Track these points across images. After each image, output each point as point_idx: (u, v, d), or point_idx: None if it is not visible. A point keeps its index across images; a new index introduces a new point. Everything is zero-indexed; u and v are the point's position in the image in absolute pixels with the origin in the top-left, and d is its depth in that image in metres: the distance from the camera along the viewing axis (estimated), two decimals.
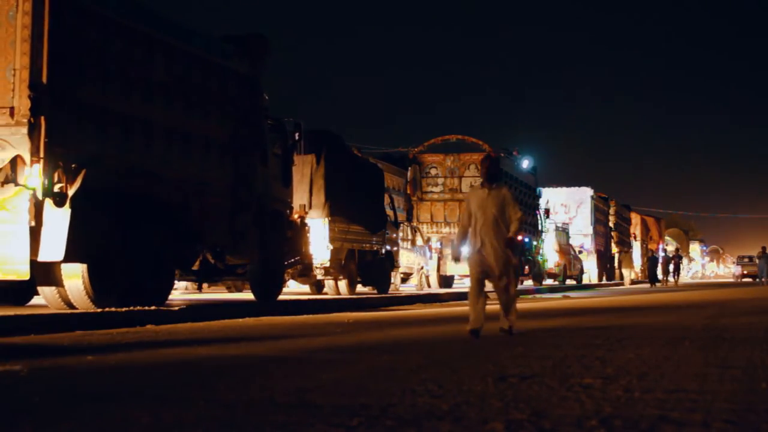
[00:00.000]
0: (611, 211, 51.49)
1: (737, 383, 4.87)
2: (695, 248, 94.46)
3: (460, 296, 22.13)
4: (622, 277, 42.18)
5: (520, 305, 10.16)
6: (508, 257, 8.61)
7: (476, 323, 8.33)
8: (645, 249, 59.13)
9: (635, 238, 59.36)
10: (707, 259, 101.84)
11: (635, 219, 61.75)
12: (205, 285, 23.27)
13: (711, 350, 6.86)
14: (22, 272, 9.69)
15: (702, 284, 48.37)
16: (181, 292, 19.90)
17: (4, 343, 7.56)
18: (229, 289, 23.24)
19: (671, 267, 44.71)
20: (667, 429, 3.52)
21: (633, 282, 40.09)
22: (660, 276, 42.03)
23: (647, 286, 39.63)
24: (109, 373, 5.72)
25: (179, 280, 16.08)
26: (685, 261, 70.17)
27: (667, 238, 76.84)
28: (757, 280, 38.64)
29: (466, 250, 8.98)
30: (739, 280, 57.91)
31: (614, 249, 49.31)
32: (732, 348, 7.08)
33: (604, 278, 45.73)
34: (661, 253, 55.05)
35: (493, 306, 8.83)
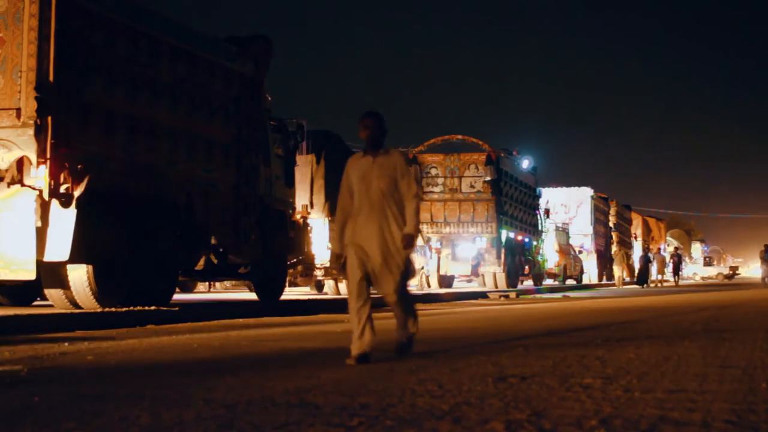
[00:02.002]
0: (612, 211, 51.53)
1: (737, 383, 4.87)
2: (696, 248, 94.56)
3: (461, 297, 22.16)
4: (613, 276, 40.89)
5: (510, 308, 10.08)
6: (399, 252, 6.20)
7: (362, 346, 6.03)
8: (646, 249, 59.26)
9: (636, 238, 59.41)
10: (708, 259, 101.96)
11: (636, 219, 61.82)
12: (227, 284, 23.42)
13: (711, 350, 6.86)
14: (29, 272, 9.74)
15: (702, 285, 48.23)
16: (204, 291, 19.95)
17: (5, 343, 7.56)
18: (250, 289, 23.40)
19: (670, 267, 44.35)
20: (667, 429, 3.52)
21: (624, 282, 39.27)
22: (655, 276, 41.09)
23: (634, 287, 39.01)
24: (109, 373, 5.73)
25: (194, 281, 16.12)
26: (686, 261, 70.14)
27: (668, 238, 76.90)
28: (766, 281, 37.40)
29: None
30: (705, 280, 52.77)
31: (615, 249, 49.31)
32: (732, 348, 7.08)
33: (604, 278, 45.72)
34: (663, 254, 54.91)
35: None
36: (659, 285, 40.05)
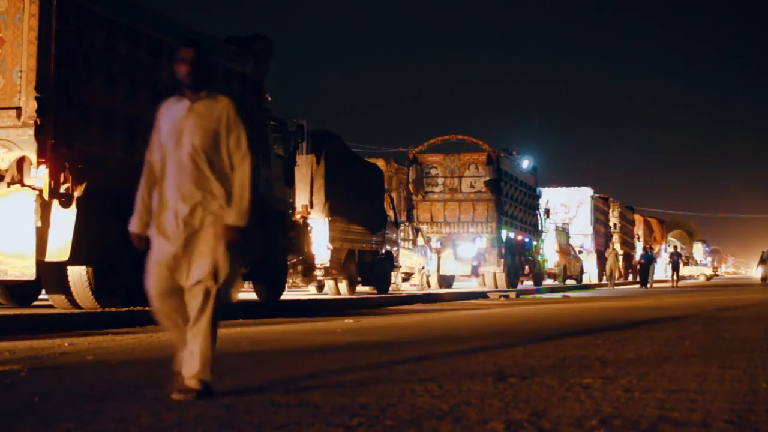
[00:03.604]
0: (615, 212, 51.63)
1: (737, 383, 4.87)
2: (698, 248, 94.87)
3: (461, 297, 22.15)
4: (609, 277, 38.78)
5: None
6: (213, 245, 4.46)
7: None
8: (645, 249, 59.44)
9: (639, 239, 59.53)
10: (710, 259, 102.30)
11: (638, 220, 61.99)
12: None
13: (711, 350, 6.86)
14: (28, 272, 9.74)
15: (700, 285, 48.16)
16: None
17: (5, 343, 7.56)
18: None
19: (669, 267, 43.98)
20: (667, 429, 3.52)
21: (616, 283, 38.61)
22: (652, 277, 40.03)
23: (632, 287, 38.40)
24: (109, 373, 5.72)
25: None
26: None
27: (670, 238, 77.05)
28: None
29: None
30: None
31: (619, 250, 49.25)
32: (732, 348, 7.08)
33: (604, 278, 45.71)
34: (663, 254, 54.85)
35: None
36: (651, 286, 39.50)
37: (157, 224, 4.52)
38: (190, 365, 4.37)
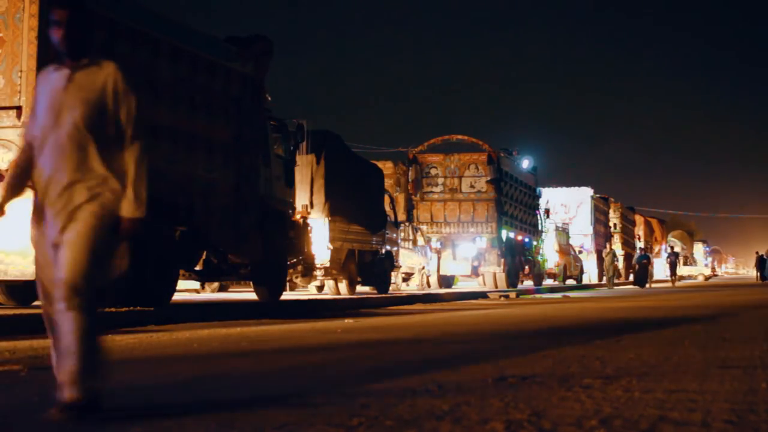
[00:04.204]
0: (616, 213, 51.65)
1: (737, 383, 4.87)
2: (699, 248, 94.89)
3: (461, 296, 22.16)
4: (607, 277, 38.32)
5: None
6: (88, 231, 3.78)
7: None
8: (642, 249, 59.48)
9: (639, 239, 59.57)
10: (710, 259, 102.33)
11: (639, 220, 62.04)
12: (248, 284, 23.67)
13: (711, 350, 6.86)
14: (29, 272, 9.74)
15: (699, 285, 48.17)
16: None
17: (5, 343, 7.56)
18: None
19: (667, 267, 43.94)
20: (667, 429, 3.52)
21: (615, 284, 38.30)
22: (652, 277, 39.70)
23: (631, 287, 38.23)
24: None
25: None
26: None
27: (671, 238, 77.05)
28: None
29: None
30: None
31: (620, 250, 49.22)
32: (732, 348, 7.08)
33: (604, 278, 45.73)
34: (664, 254, 54.82)
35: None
36: (649, 286, 39.31)
37: (34, 216, 3.96)
38: (73, 379, 3.71)
